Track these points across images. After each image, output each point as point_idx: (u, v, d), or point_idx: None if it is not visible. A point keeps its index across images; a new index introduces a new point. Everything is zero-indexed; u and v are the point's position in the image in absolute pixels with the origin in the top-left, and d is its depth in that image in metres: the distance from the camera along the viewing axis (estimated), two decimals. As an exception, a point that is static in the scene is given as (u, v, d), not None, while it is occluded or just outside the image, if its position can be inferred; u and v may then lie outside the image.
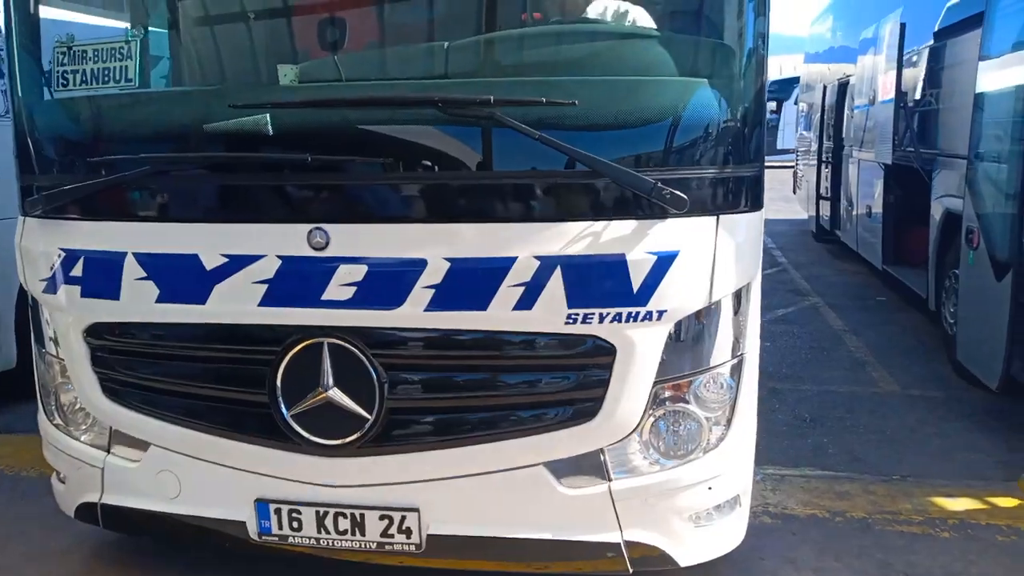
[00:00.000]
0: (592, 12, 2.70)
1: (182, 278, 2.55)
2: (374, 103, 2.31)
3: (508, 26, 2.73)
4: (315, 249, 2.38)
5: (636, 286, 2.23)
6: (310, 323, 2.43)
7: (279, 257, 2.42)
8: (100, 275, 2.64)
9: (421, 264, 2.31)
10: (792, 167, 14.30)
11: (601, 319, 2.26)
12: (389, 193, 2.39)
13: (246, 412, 2.58)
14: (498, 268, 2.27)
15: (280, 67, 2.57)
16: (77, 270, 2.68)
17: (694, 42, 2.52)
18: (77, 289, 2.69)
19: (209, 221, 2.53)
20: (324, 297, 2.39)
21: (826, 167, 10.58)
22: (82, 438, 2.90)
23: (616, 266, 2.23)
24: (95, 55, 2.64)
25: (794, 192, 13.85)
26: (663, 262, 2.23)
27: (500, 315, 2.29)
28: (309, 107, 2.35)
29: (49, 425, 2.99)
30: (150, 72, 2.76)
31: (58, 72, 2.71)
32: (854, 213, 8.89)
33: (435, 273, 2.30)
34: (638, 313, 2.25)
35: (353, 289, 2.37)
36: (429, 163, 2.35)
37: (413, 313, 2.34)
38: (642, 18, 2.59)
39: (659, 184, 2.14)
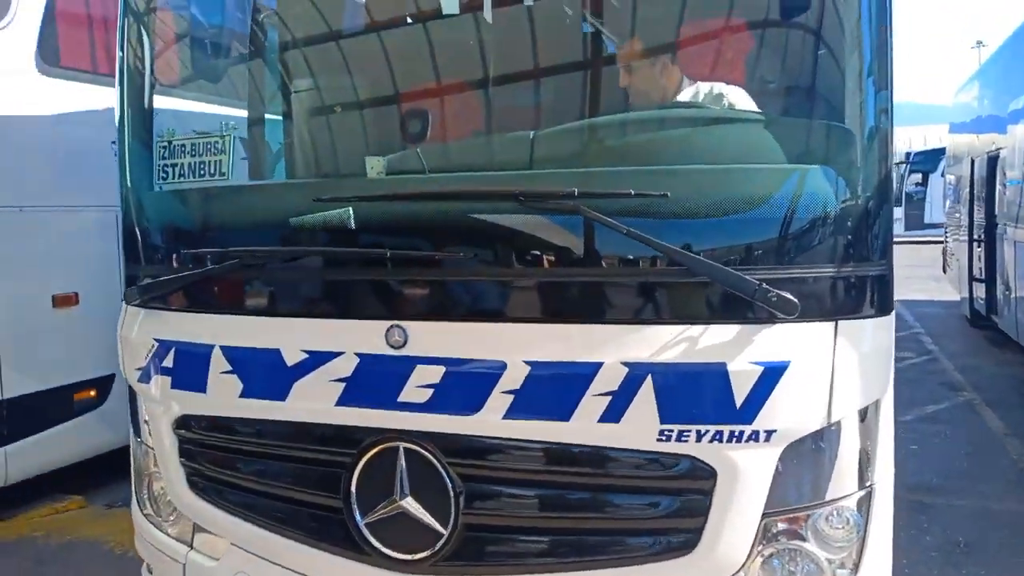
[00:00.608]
0: (685, 96, 2.50)
1: (264, 373, 2.49)
2: (452, 196, 2.19)
3: (598, 113, 2.58)
4: (393, 347, 2.26)
5: (739, 401, 1.95)
6: (386, 426, 2.29)
7: (357, 355, 2.31)
8: (189, 367, 2.63)
9: (500, 367, 2.13)
10: (941, 243, 13.30)
11: (699, 437, 1.98)
12: (468, 290, 2.24)
13: (321, 517, 2.45)
14: (582, 374, 2.05)
15: (368, 159, 2.51)
16: (169, 361, 2.68)
17: (805, 124, 2.25)
18: (168, 380, 2.68)
19: (291, 316, 2.47)
20: (401, 398, 2.25)
21: (978, 246, 9.72)
22: (168, 531, 2.86)
23: (716, 377, 1.96)
24: (192, 149, 2.69)
25: (944, 271, 12.85)
26: (771, 374, 1.94)
27: (584, 427, 2.06)
28: (387, 201, 2.26)
29: (140, 514, 2.97)
30: (245, 166, 2.78)
31: (159, 165, 2.78)
32: (1012, 297, 8.04)
33: (515, 377, 2.11)
34: (742, 432, 1.96)
35: (430, 391, 2.21)
36: (510, 259, 2.19)
37: (491, 420, 2.15)
38: (741, 100, 2.36)
39: (764, 285, 1.88)
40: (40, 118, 4.68)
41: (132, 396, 2.95)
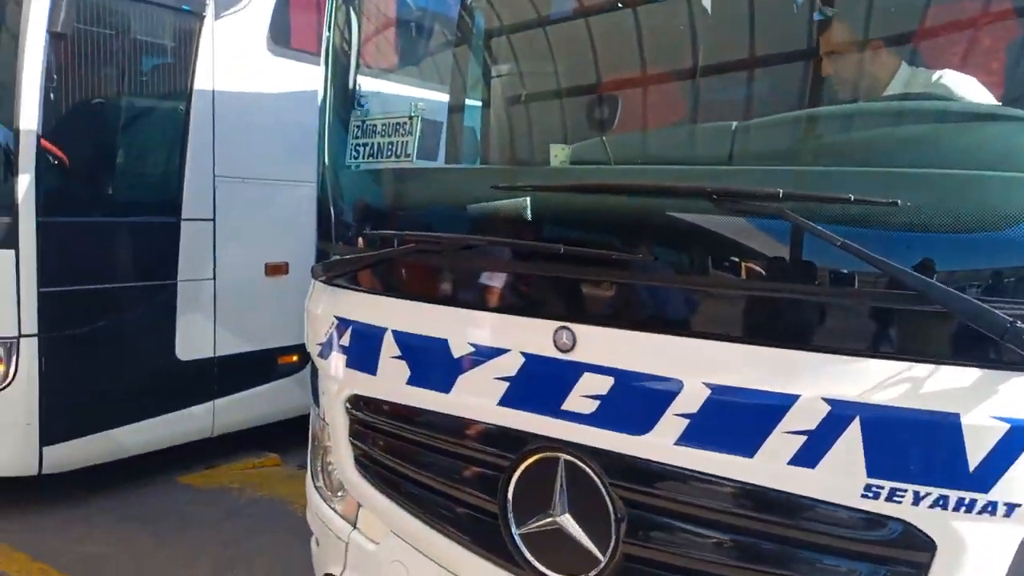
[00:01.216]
0: (898, 83, 2.07)
1: (431, 363, 2.41)
2: (632, 191, 1.96)
3: (813, 103, 2.22)
4: (560, 350, 2.08)
5: (974, 463, 1.56)
6: (547, 433, 2.12)
7: (523, 354, 2.15)
8: (363, 348, 2.62)
9: (676, 386, 1.88)
10: None
11: (916, 500, 1.62)
12: (646, 296, 2.01)
13: (476, 519, 2.34)
14: (773, 406, 1.75)
15: (552, 147, 2.34)
16: (346, 339, 2.68)
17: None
18: (343, 359, 2.69)
19: (461, 306, 2.36)
20: (565, 406, 2.06)
21: None
22: (336, 507, 2.89)
23: (945, 430, 1.58)
24: (383, 129, 2.65)
25: None
26: (1018, 435, 1.54)
27: (770, 467, 1.76)
28: (563, 192, 2.07)
29: (312, 486, 3.04)
30: (429, 148, 2.71)
31: (352, 144, 2.78)
32: None
33: (692, 400, 1.85)
34: (974, 502, 1.57)
35: (596, 403, 2.01)
36: (697, 265, 1.93)
37: (660, 444, 1.91)
38: (973, 91, 1.91)
39: (1019, 324, 1.49)
40: (268, 96, 4.99)
41: (314, 369, 3.01)
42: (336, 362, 2.73)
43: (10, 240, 3.69)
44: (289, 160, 5.14)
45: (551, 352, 2.08)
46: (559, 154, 2.32)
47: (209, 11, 4.51)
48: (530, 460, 2.16)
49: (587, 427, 2.02)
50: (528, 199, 2.11)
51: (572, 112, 2.69)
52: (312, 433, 3.10)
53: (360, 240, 2.67)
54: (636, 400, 1.96)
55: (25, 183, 3.72)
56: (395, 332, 2.49)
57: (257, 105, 4.91)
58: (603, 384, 1.99)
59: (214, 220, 4.71)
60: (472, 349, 2.29)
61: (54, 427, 3.98)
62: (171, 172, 4.48)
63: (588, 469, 2.05)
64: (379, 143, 2.67)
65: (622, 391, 1.97)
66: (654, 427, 1.91)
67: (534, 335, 2.12)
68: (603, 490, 2.02)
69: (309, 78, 5.17)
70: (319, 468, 3.01)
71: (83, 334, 3.96)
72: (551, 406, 2.09)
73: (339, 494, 2.90)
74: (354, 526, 2.79)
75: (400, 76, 3.29)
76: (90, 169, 4.14)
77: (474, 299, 2.33)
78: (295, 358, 5.35)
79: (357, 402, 2.68)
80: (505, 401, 2.19)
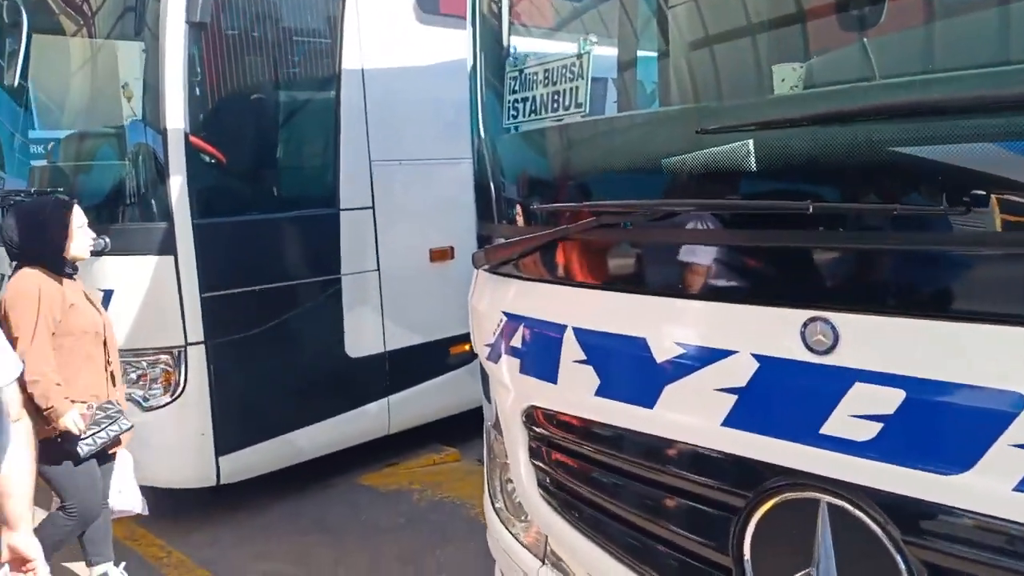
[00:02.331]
0: None
1: (625, 368, 1.89)
2: (935, 109, 1.29)
3: None
4: (813, 352, 1.47)
5: None
6: (800, 467, 1.53)
7: (756, 357, 1.57)
8: (539, 350, 2.14)
9: (1011, 403, 1.23)
10: None
11: None
12: (954, 268, 1.35)
13: (698, 570, 1.79)
14: None
15: (776, 69, 1.71)
16: (517, 340, 2.21)
17: None
18: (517, 363, 2.22)
19: (662, 294, 1.81)
20: (826, 430, 1.47)
21: None
22: (520, 536, 2.44)
23: None
24: (546, 77, 2.13)
25: None
26: None
27: None
28: (816, 124, 1.44)
29: (491, 508, 2.61)
30: (597, 99, 2.14)
31: (510, 101, 2.28)
32: None
33: (1045, 427, 1.20)
34: None
35: (876, 426, 1.40)
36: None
37: (988, 488, 1.27)
38: None
39: None
40: (419, 69, 4.61)
41: (483, 372, 2.57)
42: (508, 367, 2.26)
43: (168, 246, 3.54)
44: (444, 137, 4.75)
45: (800, 354, 1.49)
46: (787, 77, 1.69)
47: (353, -20, 4.18)
48: (775, 501, 1.59)
49: (863, 460, 1.42)
50: (751, 142, 1.51)
51: (794, 18, 2.00)
52: (487, 444, 2.67)
53: (528, 218, 2.18)
54: (944, 423, 1.33)
55: (178, 185, 3.54)
56: (577, 330, 1.98)
57: (408, 80, 4.55)
58: (887, 399, 1.37)
59: (373, 208, 4.40)
60: (681, 351, 1.73)
61: (229, 435, 3.84)
62: (326, 160, 4.21)
63: (867, 518, 1.44)
64: (541, 95, 2.15)
65: (920, 410, 1.34)
66: (977, 463, 1.28)
67: (773, 330, 1.53)
68: (892, 549, 1.41)
69: (460, 46, 4.76)
70: (498, 487, 2.58)
71: (250, 338, 3.77)
72: (804, 429, 1.49)
73: (522, 520, 2.44)
74: (543, 561, 2.32)
75: (558, 28, 2.75)
76: (242, 165, 3.93)
77: (681, 284, 1.76)
78: (467, 347, 4.98)
79: (537, 416, 2.21)
80: (733, 421, 1.62)
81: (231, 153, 3.85)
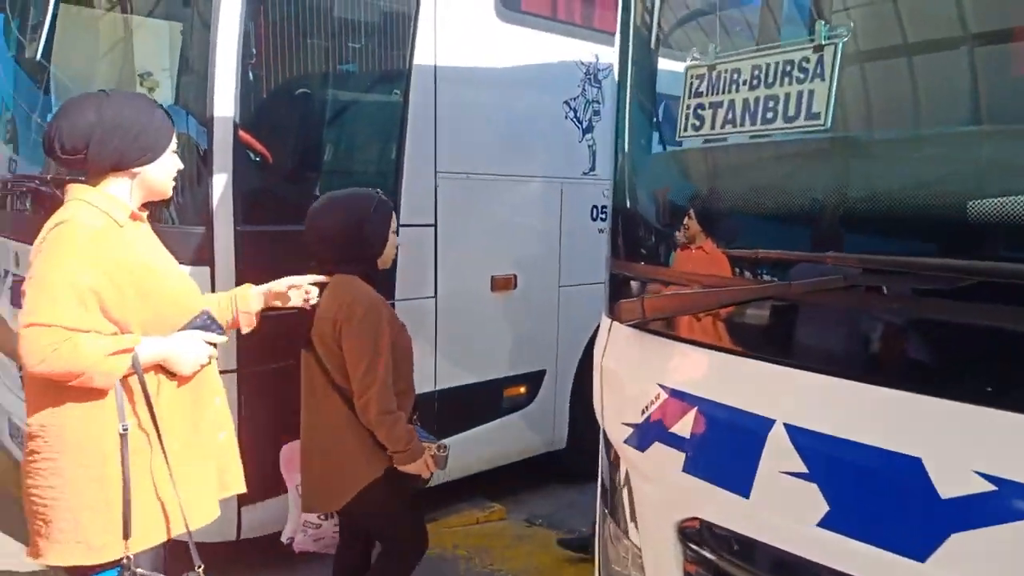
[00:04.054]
0: None
1: (881, 498, 1.31)
2: None
3: None
4: None
5: None
6: None
7: None
8: (723, 447, 1.57)
9: None
10: None
11: None
12: None
13: None
14: None
15: None
16: (683, 426, 1.64)
17: None
18: (678, 457, 1.65)
19: (950, 397, 1.23)
20: None
21: None
22: None
23: None
24: (755, 77, 1.56)
25: None
26: None
27: None
28: None
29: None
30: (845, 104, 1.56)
31: (687, 109, 1.71)
32: None
33: None
34: None
35: None
36: None
37: None
38: None
39: None
40: (496, 73, 4.07)
41: (608, 451, 2.00)
42: (663, 460, 1.69)
43: (204, 256, 2.97)
44: (516, 150, 4.22)
45: None
46: None
47: (431, -32, 3.64)
48: None
49: None
50: None
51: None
52: (601, 543, 2.09)
53: (714, 263, 1.61)
54: None
55: (221, 185, 2.98)
56: (794, 429, 1.41)
57: (484, 85, 4.01)
58: None
59: (435, 226, 3.83)
60: (990, 487, 1.16)
61: (253, 483, 3.25)
62: (387, 169, 3.65)
63: None
64: (745, 100, 1.58)
65: None
66: None
67: None
68: None
69: (540, 50, 4.24)
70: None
71: (287, 368, 3.18)
72: None
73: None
74: None
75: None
76: (295, 167, 3.35)
77: (1007, 391, 1.18)
78: (522, 390, 4.42)
79: (703, 532, 1.63)
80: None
81: (283, 153, 3.28)
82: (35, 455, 1.98)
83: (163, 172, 2.13)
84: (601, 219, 4.57)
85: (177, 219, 3.05)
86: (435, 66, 3.76)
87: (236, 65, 2.97)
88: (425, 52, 3.72)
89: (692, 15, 2.17)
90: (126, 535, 1.95)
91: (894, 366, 1.33)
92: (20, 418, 2.68)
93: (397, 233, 2.82)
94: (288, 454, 2.93)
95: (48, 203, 3.24)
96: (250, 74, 3.05)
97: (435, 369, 3.95)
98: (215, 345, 2.17)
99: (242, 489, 2.32)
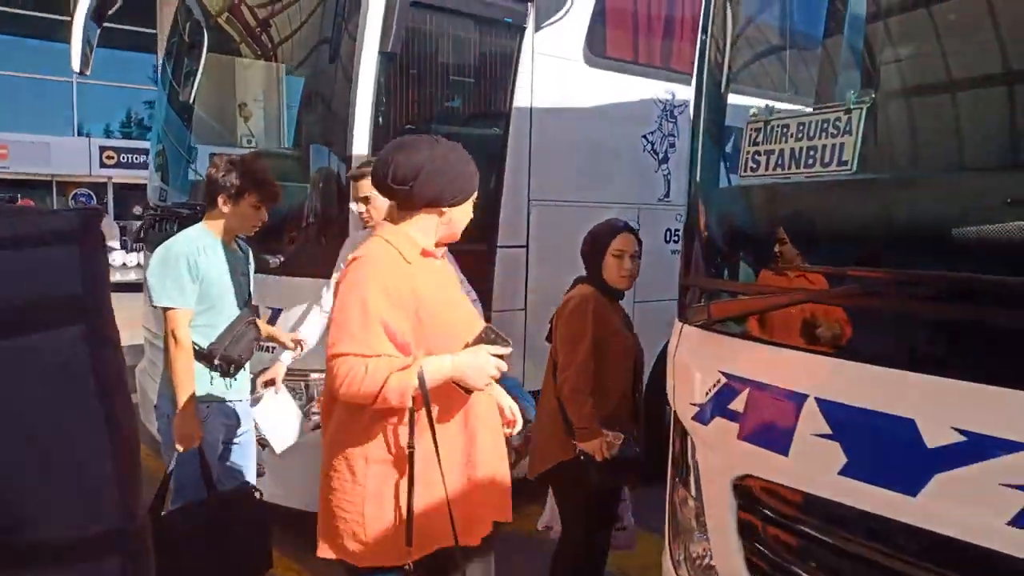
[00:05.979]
0: None
1: (884, 449, 1.74)
2: None
3: None
4: None
5: None
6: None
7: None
8: (768, 418, 2.01)
9: None
10: None
11: None
12: None
13: None
14: None
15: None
16: (739, 403, 2.08)
17: None
18: (734, 428, 2.09)
19: (932, 373, 1.66)
20: None
21: None
22: (709, 611, 2.29)
23: None
24: (799, 131, 2.03)
25: None
26: None
27: None
28: None
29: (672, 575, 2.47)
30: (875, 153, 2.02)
31: (748, 153, 2.18)
32: None
33: None
34: None
35: None
36: None
37: None
38: None
39: None
40: (583, 111, 4.60)
41: (679, 433, 2.45)
42: (721, 431, 2.14)
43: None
44: (599, 180, 4.71)
45: None
46: None
47: (530, 22, 4.19)
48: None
49: None
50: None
51: None
52: (671, 509, 2.53)
53: (763, 273, 2.07)
54: None
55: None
56: (822, 401, 1.84)
57: (572, 122, 4.53)
58: None
59: (527, 247, 4.37)
60: (962, 439, 1.58)
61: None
62: (489, 195, 4.20)
63: None
64: (793, 149, 2.05)
65: None
66: None
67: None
68: None
69: (622, 89, 4.74)
70: (681, 558, 2.43)
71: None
72: None
73: (712, 595, 2.29)
74: (737, 640, 2.16)
75: (774, 90, 2.67)
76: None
77: (960, 364, 1.61)
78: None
79: (753, 487, 2.07)
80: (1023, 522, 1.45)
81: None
82: (335, 470, 2.13)
83: (464, 216, 2.25)
84: (674, 241, 5.01)
85: (318, 239, 3.66)
86: (531, 106, 4.31)
87: (370, 110, 3.57)
88: (523, 94, 4.27)
89: (758, 56, 2.65)
90: (408, 543, 2.08)
91: (895, 352, 1.76)
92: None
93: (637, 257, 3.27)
94: None
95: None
96: (380, 118, 3.65)
97: (523, 375, 4.45)
98: (502, 357, 2.16)
99: (508, 519, 2.34)
